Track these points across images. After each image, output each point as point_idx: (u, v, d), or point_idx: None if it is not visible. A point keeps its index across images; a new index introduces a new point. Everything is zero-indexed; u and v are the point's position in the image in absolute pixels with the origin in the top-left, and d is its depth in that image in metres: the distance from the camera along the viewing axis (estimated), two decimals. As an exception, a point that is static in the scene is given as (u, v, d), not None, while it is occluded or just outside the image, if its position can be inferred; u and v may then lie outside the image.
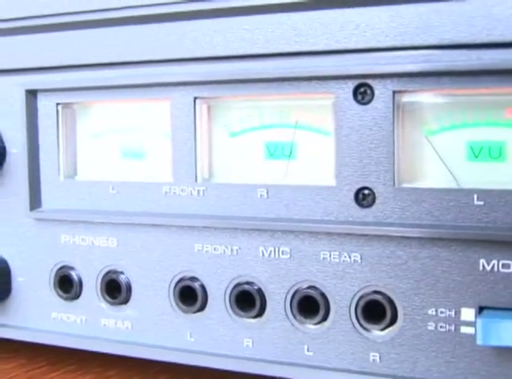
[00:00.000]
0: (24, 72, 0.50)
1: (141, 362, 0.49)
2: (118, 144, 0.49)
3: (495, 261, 0.38)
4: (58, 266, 0.50)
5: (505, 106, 0.38)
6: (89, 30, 0.47)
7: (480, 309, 0.38)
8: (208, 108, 0.45)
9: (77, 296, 0.49)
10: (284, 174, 0.43)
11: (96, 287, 0.48)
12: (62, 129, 0.50)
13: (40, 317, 0.51)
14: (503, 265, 0.38)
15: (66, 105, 0.49)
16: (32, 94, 0.50)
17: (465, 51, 0.38)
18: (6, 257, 0.51)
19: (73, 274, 0.49)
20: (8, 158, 0.51)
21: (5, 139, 0.51)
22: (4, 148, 0.51)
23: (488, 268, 0.38)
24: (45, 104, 0.49)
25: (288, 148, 0.43)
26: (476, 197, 0.38)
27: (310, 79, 0.41)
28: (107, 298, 0.48)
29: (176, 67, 0.45)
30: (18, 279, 0.51)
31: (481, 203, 0.38)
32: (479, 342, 0.37)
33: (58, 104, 0.49)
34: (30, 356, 0.55)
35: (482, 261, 0.38)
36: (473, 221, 0.38)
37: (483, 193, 0.38)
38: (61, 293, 0.49)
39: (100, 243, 0.48)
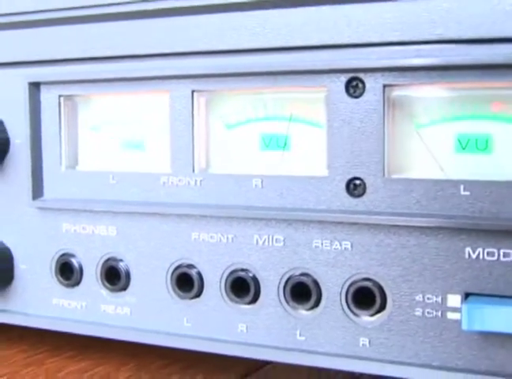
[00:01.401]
0: (27, 65, 0.51)
1: (139, 347, 0.50)
2: (118, 136, 0.50)
3: (480, 249, 0.39)
4: (60, 253, 0.51)
5: (491, 101, 0.39)
6: (91, 24, 0.48)
7: (466, 296, 0.40)
8: (206, 101, 0.46)
9: (77, 283, 0.50)
10: (278, 165, 0.44)
11: (96, 274, 0.49)
12: (64, 121, 0.50)
13: (42, 303, 0.52)
14: (488, 253, 0.39)
15: (68, 97, 0.50)
16: (35, 86, 0.50)
17: (454, 46, 0.39)
18: (9, 244, 0.52)
19: (74, 261, 0.50)
20: (11, 148, 0.51)
21: (8, 130, 0.51)
22: (7, 139, 0.51)
23: (474, 255, 0.39)
24: (47, 96, 0.50)
25: (282, 139, 0.44)
26: (462, 187, 0.39)
27: (303, 73, 0.42)
28: (107, 284, 0.49)
29: (175, 61, 0.46)
30: (21, 266, 0.52)
31: (467, 193, 0.39)
32: (464, 327, 0.38)
33: (60, 96, 0.50)
34: (31, 342, 0.56)
35: (468, 249, 0.39)
36: (460, 211, 0.39)
37: (470, 184, 0.39)
38: (62, 280, 0.50)
39: (100, 231, 0.49)
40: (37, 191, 0.51)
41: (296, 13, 0.42)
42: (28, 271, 0.52)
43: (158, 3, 0.45)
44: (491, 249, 0.39)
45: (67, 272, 0.51)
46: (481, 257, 0.39)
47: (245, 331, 0.45)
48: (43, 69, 0.50)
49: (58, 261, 0.51)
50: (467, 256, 0.39)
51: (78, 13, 0.48)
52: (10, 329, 0.56)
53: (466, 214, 0.39)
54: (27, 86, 0.50)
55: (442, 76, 0.39)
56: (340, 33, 0.41)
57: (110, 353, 0.54)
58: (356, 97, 0.41)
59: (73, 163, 0.51)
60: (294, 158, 0.44)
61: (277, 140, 0.45)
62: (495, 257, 0.39)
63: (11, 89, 0.51)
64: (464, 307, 0.38)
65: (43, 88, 0.51)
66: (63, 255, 0.51)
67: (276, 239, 0.44)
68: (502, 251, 0.39)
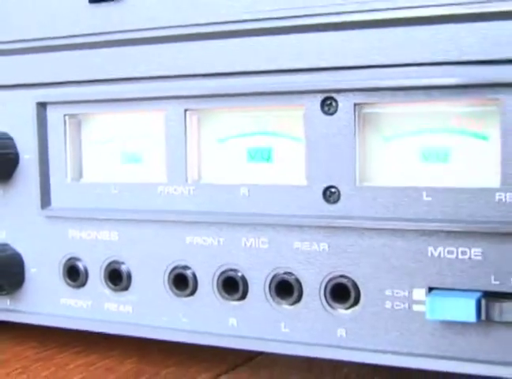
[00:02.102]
0: (35, 86, 0.54)
1: (140, 341, 0.53)
2: (118, 150, 0.53)
3: (441, 248, 0.43)
4: (66, 258, 0.54)
5: (450, 116, 0.44)
6: (92, 50, 0.52)
7: (429, 290, 0.43)
8: (197, 118, 0.50)
9: (83, 284, 0.53)
10: (263, 175, 0.48)
11: (100, 276, 0.53)
12: (69, 137, 0.54)
13: (51, 303, 0.55)
14: (448, 252, 0.43)
15: (72, 116, 0.53)
16: (42, 106, 0.54)
17: (416, 69, 0.43)
18: (20, 250, 0.56)
19: (80, 264, 0.53)
20: (21, 162, 0.55)
21: (18, 146, 0.55)
22: (17, 155, 0.55)
23: (436, 254, 0.43)
24: (54, 115, 0.54)
25: (266, 152, 0.49)
26: (425, 193, 0.43)
27: (284, 93, 0.46)
28: (110, 285, 0.52)
29: (169, 83, 0.49)
30: (31, 270, 0.55)
31: (429, 199, 0.43)
32: (428, 317, 0.42)
33: (65, 115, 0.53)
34: (40, 339, 0.59)
35: (430, 249, 0.43)
36: (423, 214, 0.43)
37: (431, 191, 0.43)
38: (69, 281, 0.54)
39: (103, 237, 0.52)
40: (45, 201, 0.54)
41: (277, 40, 0.46)
42: (38, 274, 0.55)
43: (154, 32, 0.49)
44: (450, 248, 0.43)
45: (74, 274, 0.54)
46: (442, 255, 0.43)
47: (235, 325, 0.49)
48: (49, 91, 0.54)
49: (65, 265, 0.54)
50: (430, 254, 0.43)
51: (81, 40, 0.51)
52: (21, 328, 0.59)
53: (428, 217, 0.43)
54: (35, 106, 0.54)
55: (406, 96, 0.43)
56: (316, 58, 0.45)
57: (113, 348, 0.57)
58: (331, 114, 0.45)
59: (78, 175, 0.54)
60: (277, 169, 0.48)
61: (262, 153, 0.49)
62: (454, 255, 0.43)
63: (20, 109, 0.55)
64: (428, 300, 0.42)
65: (49, 108, 0.54)
66: (70, 259, 0.54)
67: (262, 242, 0.47)
68: (460, 249, 0.43)
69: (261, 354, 0.54)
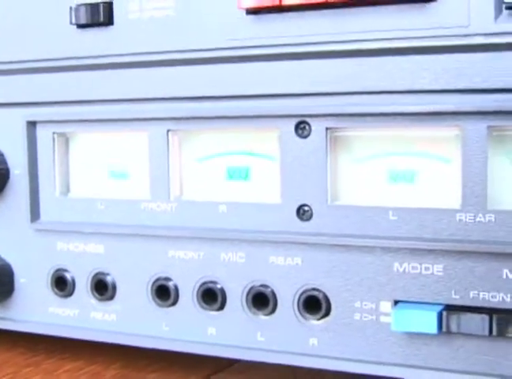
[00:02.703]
0: (25, 105, 0.56)
1: (125, 348, 0.56)
2: (105, 167, 0.55)
3: (406, 264, 0.46)
4: (54, 269, 0.56)
5: (416, 141, 0.46)
6: (80, 72, 0.54)
7: (395, 303, 0.46)
8: (179, 139, 0.52)
9: (70, 294, 0.56)
10: (241, 193, 0.51)
11: (87, 286, 0.55)
12: (57, 154, 0.56)
13: (39, 312, 0.57)
14: (412, 267, 0.46)
15: (61, 134, 0.56)
16: (32, 124, 0.56)
17: (385, 97, 0.46)
18: (10, 261, 0.58)
19: (67, 275, 0.56)
20: (11, 177, 0.57)
21: (8, 161, 0.57)
22: (7, 170, 0.57)
23: (401, 269, 0.46)
24: (43, 133, 0.56)
25: (244, 171, 0.51)
26: (391, 212, 0.46)
27: (260, 117, 0.49)
28: (96, 295, 0.54)
29: (153, 105, 0.52)
30: (20, 280, 0.57)
31: (395, 218, 0.46)
32: (393, 328, 0.45)
33: (54, 133, 0.55)
34: (29, 346, 0.62)
35: (396, 264, 0.46)
36: (389, 232, 0.46)
37: (397, 210, 0.46)
38: (57, 291, 0.56)
39: (90, 250, 0.55)
40: (34, 215, 0.56)
41: (256, 66, 0.48)
42: (27, 284, 0.57)
43: (139, 57, 0.51)
44: (414, 264, 0.46)
45: (61, 284, 0.56)
46: (407, 270, 0.46)
47: (214, 333, 0.51)
48: (39, 110, 0.56)
49: (53, 275, 0.56)
50: (395, 270, 0.46)
51: (69, 62, 0.54)
52: (9, 335, 0.61)
53: (394, 235, 0.46)
54: (25, 124, 0.56)
55: (375, 121, 0.46)
56: (291, 84, 0.48)
57: (99, 354, 0.59)
58: (304, 137, 0.48)
59: (66, 190, 0.56)
60: (253, 187, 0.51)
61: (240, 172, 0.51)
62: (418, 271, 0.45)
63: (11, 126, 0.57)
64: (394, 312, 0.45)
65: (38, 126, 0.56)
66: (58, 270, 0.56)
67: (239, 256, 0.50)
68: (423, 265, 0.45)
69: (238, 361, 0.57)
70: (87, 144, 0.56)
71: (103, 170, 0.56)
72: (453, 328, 0.44)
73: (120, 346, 0.55)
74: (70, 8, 0.53)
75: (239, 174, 0.51)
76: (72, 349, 0.61)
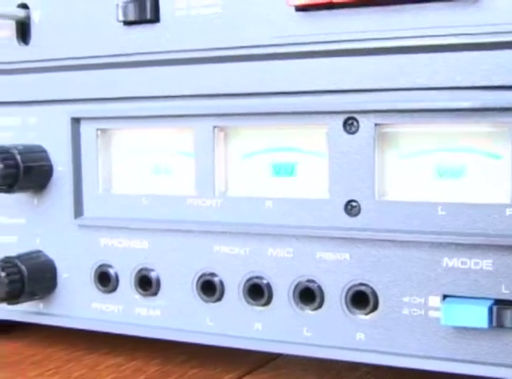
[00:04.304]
0: (69, 102, 0.57)
1: (165, 344, 0.56)
2: (148, 163, 0.56)
3: (455, 259, 0.46)
4: (98, 264, 0.56)
5: (465, 137, 0.47)
6: (123, 69, 0.54)
7: (444, 297, 0.46)
8: (225, 135, 0.53)
9: (113, 289, 0.56)
10: (287, 189, 0.51)
11: (131, 282, 0.55)
12: (101, 150, 0.56)
13: (83, 307, 0.57)
14: (462, 262, 0.46)
15: (105, 130, 0.56)
16: (76, 121, 0.57)
17: (434, 92, 0.46)
18: (53, 256, 0.58)
19: (111, 271, 0.56)
20: (55, 174, 0.58)
21: (52, 158, 0.58)
22: (51, 167, 0.58)
23: (450, 264, 0.46)
24: (87, 130, 0.57)
25: (290, 167, 0.52)
26: (440, 208, 0.47)
27: (308, 113, 0.49)
28: (140, 290, 0.55)
29: (198, 101, 0.52)
30: (63, 276, 0.58)
31: (444, 213, 0.47)
32: (443, 323, 0.45)
33: (97, 130, 0.56)
34: (69, 341, 0.62)
35: (445, 259, 0.46)
36: (438, 227, 0.46)
37: (446, 205, 0.46)
38: (100, 287, 0.56)
39: (134, 245, 0.55)
40: (78, 211, 0.57)
41: (302, 63, 0.49)
42: (70, 279, 0.58)
43: (185, 53, 0.52)
44: (463, 259, 0.46)
45: (105, 280, 0.56)
46: (456, 265, 0.46)
47: (260, 328, 0.52)
48: (83, 106, 0.56)
49: (96, 271, 0.56)
50: (444, 264, 0.46)
51: (115, 59, 0.54)
52: (49, 330, 0.62)
53: (443, 230, 0.46)
54: (69, 121, 0.56)
55: (424, 117, 0.46)
56: (339, 80, 0.48)
57: (138, 350, 0.60)
58: (352, 133, 0.48)
59: (109, 186, 0.57)
60: (300, 183, 0.51)
61: (286, 168, 0.52)
62: (468, 266, 0.46)
63: (55, 123, 0.57)
64: (443, 306, 0.45)
65: (82, 123, 0.57)
66: (101, 266, 0.56)
67: (287, 251, 0.50)
68: (472, 261, 0.46)
69: (279, 356, 0.57)
70: (131, 139, 0.57)
71: (146, 165, 0.56)
72: (504, 322, 0.45)
73: (159, 341, 0.56)
74: (117, 5, 0.53)
75: (284, 170, 0.52)
76: (111, 345, 0.61)
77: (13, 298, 0.57)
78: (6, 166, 0.55)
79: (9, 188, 0.57)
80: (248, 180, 0.53)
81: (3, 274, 0.56)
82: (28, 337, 0.65)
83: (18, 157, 0.56)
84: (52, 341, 0.63)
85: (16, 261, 0.57)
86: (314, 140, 0.50)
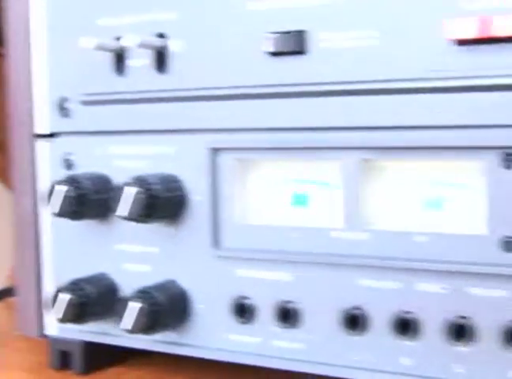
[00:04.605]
0: (208, 132, 0.57)
1: (293, 375, 0.56)
2: (287, 194, 0.55)
3: None
4: (235, 296, 0.56)
5: None
6: (268, 100, 0.55)
7: None
8: (372, 168, 0.52)
9: (251, 321, 0.56)
10: (437, 224, 0.51)
11: (270, 314, 0.55)
12: (239, 180, 0.57)
13: (219, 338, 0.57)
14: None
15: (242, 160, 0.57)
16: (214, 151, 0.57)
17: None
18: (188, 286, 0.58)
19: (249, 302, 0.56)
20: (192, 203, 0.58)
21: (188, 187, 0.58)
22: (184, 196, 0.58)
23: None
24: (225, 160, 0.57)
25: (438, 201, 0.51)
26: None
27: (463, 148, 0.49)
28: (280, 323, 0.55)
29: (346, 134, 0.52)
30: (198, 306, 0.58)
31: None
32: None
33: (236, 159, 0.56)
34: (197, 372, 0.63)
35: None
36: None
37: None
38: (237, 318, 0.56)
39: (274, 277, 0.55)
40: (215, 241, 0.57)
41: (456, 97, 0.49)
42: (206, 310, 0.58)
43: (333, 86, 0.52)
44: None
45: (242, 311, 0.56)
46: None
47: (408, 364, 0.51)
48: (222, 136, 0.57)
49: (233, 302, 0.56)
50: None
51: (259, 90, 0.54)
52: (180, 360, 0.62)
53: None
54: (208, 151, 0.57)
55: None
56: (495, 115, 0.48)
57: None
58: (508, 168, 0.48)
59: (246, 216, 0.57)
60: (447, 217, 0.50)
61: (435, 201, 0.51)
62: None
63: (192, 153, 0.58)
64: None
65: (221, 153, 0.57)
66: (239, 297, 0.56)
67: (440, 287, 0.50)
68: None
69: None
70: (270, 169, 0.57)
71: (285, 196, 0.56)
72: None
73: (288, 372, 0.56)
74: (264, 37, 0.53)
75: (433, 204, 0.51)
76: (235, 376, 0.61)
77: (149, 328, 0.57)
78: (148, 197, 0.55)
79: (147, 218, 0.57)
80: (396, 213, 0.52)
81: (142, 305, 0.56)
82: (150, 365, 0.66)
83: (157, 187, 0.56)
84: (176, 369, 0.64)
85: (153, 292, 0.57)
86: (465, 174, 0.50)
